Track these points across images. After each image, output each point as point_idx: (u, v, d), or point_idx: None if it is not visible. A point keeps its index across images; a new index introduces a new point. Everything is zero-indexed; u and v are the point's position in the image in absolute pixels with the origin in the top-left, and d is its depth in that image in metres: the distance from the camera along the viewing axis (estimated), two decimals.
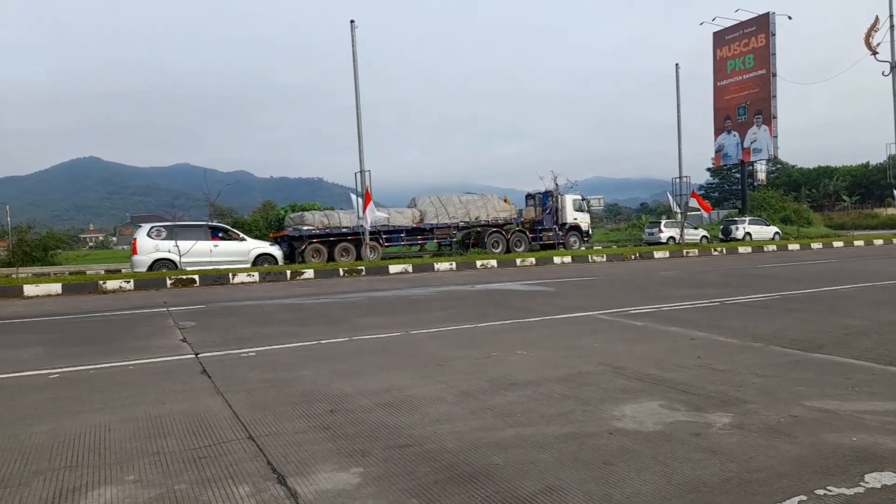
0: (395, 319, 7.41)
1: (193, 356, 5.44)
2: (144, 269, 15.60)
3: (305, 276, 15.51)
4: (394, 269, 16.78)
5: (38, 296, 12.26)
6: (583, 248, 26.30)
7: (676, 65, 26.30)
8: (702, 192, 58.23)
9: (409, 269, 16.93)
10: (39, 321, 8.37)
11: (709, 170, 65.88)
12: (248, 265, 16.99)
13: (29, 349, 6.06)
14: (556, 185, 27.82)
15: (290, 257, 24.51)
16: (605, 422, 3.23)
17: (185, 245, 15.91)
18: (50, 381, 4.65)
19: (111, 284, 13.20)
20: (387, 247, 25.11)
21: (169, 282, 13.80)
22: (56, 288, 12.72)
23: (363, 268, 16.62)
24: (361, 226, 19.71)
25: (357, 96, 19.29)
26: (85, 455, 3.01)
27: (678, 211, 26.48)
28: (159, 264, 15.81)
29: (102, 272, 18.95)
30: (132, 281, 13.57)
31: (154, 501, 2.45)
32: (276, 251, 18.68)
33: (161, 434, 3.30)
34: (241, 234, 18.70)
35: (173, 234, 16.06)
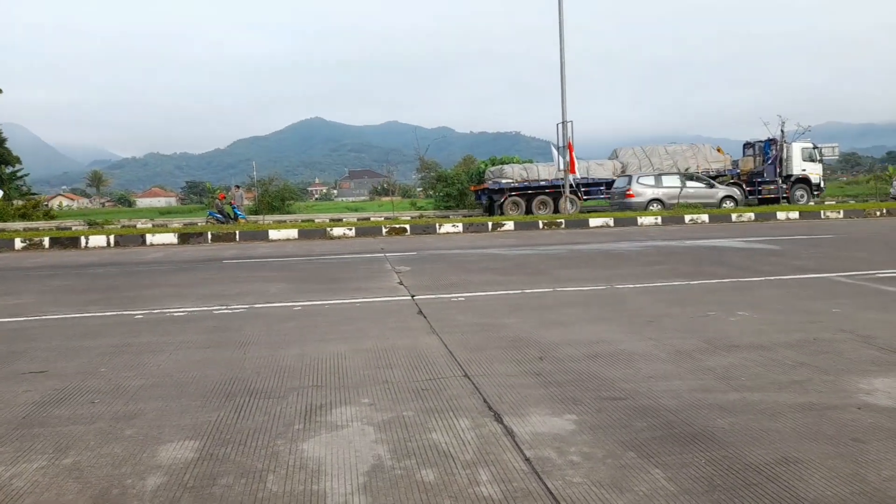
0: (597, 273, 7.26)
1: (410, 298, 5.88)
2: (643, 207, 19.41)
3: (505, 227, 15.84)
4: (594, 222, 16.39)
5: (279, 239, 14.17)
6: (811, 203, 23.21)
7: None
8: None
9: (611, 222, 16.40)
10: (282, 261, 9.67)
11: None
12: (716, 205, 19.96)
13: (276, 284, 7.04)
14: (783, 131, 24.66)
15: (489, 210, 25.16)
16: (850, 395, 2.86)
17: (667, 189, 20.05)
18: (294, 313, 5.36)
19: (336, 231, 14.76)
20: (585, 200, 24.56)
21: (384, 230, 15.03)
22: (293, 233, 14.57)
23: (562, 221, 16.48)
24: (560, 178, 19.46)
25: (561, 44, 18.77)
26: (327, 377, 3.44)
27: None
28: (652, 203, 19.93)
29: (328, 220, 21.22)
30: (353, 229, 15.03)
31: (387, 424, 2.72)
32: (737, 193, 21.11)
33: (388, 365, 3.64)
34: (711, 181, 21.84)
35: (658, 181, 20.48)
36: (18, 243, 13.73)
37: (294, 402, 3.03)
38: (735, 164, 25.86)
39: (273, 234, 14.44)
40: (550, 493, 2.03)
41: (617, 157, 25.55)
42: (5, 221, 24.67)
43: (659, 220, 16.62)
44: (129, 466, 2.36)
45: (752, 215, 17.21)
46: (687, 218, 16.81)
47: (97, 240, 13.91)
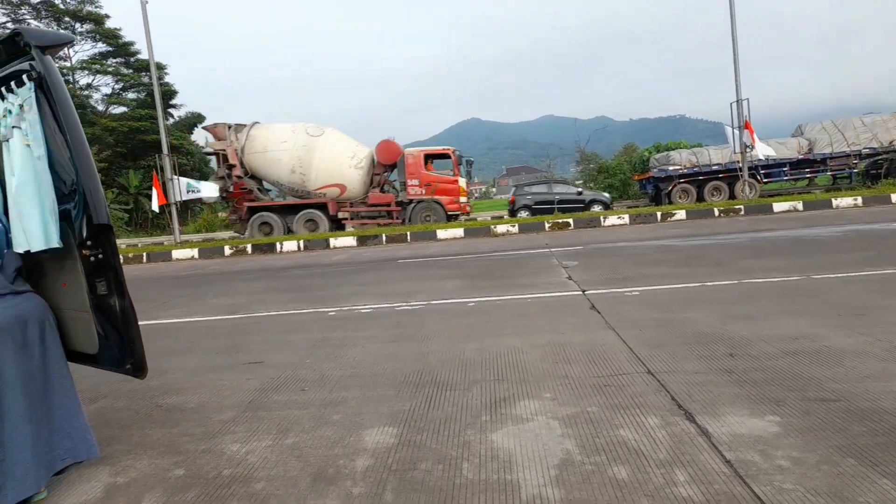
0: (788, 262, 6.61)
1: (580, 293, 5.81)
2: None
3: (676, 217, 14.99)
4: (778, 207, 14.92)
5: (447, 238, 14.70)
6: None
7: None
8: None
9: (799, 206, 14.82)
10: (452, 259, 10.04)
11: None
12: None
13: (450, 282, 7.33)
14: None
15: (655, 199, 23.97)
16: None
17: None
18: (469, 309, 5.55)
19: (500, 229, 14.97)
20: (765, 183, 22.43)
21: (547, 225, 14.97)
22: (460, 232, 15.03)
23: (741, 207, 15.21)
24: (735, 161, 17.95)
25: (732, 15, 17.33)
26: (507, 371, 3.53)
27: None
28: None
29: (490, 218, 21.57)
30: (517, 226, 15.14)
31: (572, 419, 2.73)
32: None
33: (565, 360, 3.64)
34: None
35: None
36: (227, 250, 15.70)
37: (479, 395, 3.16)
38: None
39: (441, 233, 15.01)
40: (759, 498, 1.92)
41: (802, 133, 22.97)
42: (214, 232, 28.35)
43: (859, 200, 14.69)
44: (339, 448, 2.63)
45: None
46: (893, 198, 14.66)
47: (290, 245, 15.47)
